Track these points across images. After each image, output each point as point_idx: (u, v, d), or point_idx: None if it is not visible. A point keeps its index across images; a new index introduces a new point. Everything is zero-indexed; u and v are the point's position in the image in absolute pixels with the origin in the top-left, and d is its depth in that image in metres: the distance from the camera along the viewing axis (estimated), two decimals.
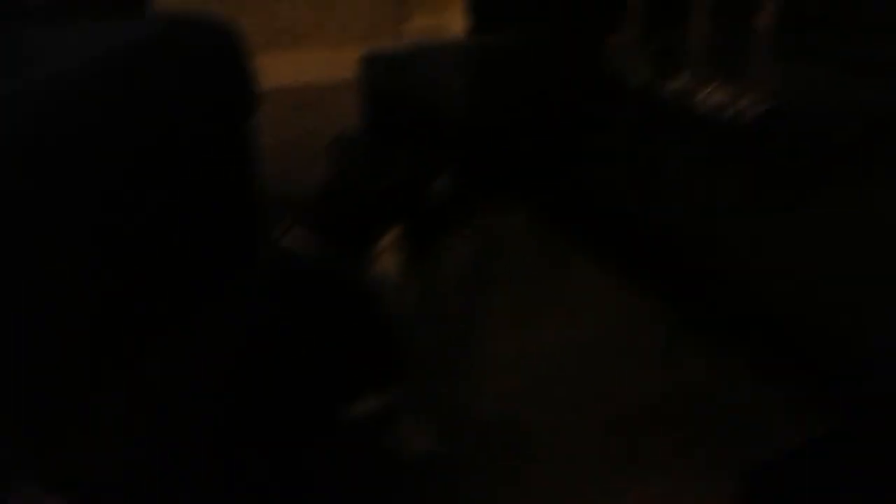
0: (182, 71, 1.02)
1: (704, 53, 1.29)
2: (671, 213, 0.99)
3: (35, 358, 0.76)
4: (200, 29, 1.10)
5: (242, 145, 1.17)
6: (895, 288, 0.78)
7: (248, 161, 1.19)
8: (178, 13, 1.10)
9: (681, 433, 1.02)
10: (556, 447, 1.02)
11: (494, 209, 1.45)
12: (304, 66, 2.83)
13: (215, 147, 1.09)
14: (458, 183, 0.88)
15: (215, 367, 0.71)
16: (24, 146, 0.75)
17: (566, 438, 1.03)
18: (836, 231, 0.91)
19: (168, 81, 0.99)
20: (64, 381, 0.80)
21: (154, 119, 0.93)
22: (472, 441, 1.02)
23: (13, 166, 0.73)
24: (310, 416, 0.75)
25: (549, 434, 1.04)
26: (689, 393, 1.08)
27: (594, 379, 1.13)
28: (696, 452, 0.99)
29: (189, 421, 0.67)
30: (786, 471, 0.83)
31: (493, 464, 0.99)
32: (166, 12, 1.11)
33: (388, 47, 1.79)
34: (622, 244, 1.05)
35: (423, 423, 0.96)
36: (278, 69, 2.75)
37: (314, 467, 0.78)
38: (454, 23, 3.26)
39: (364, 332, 0.78)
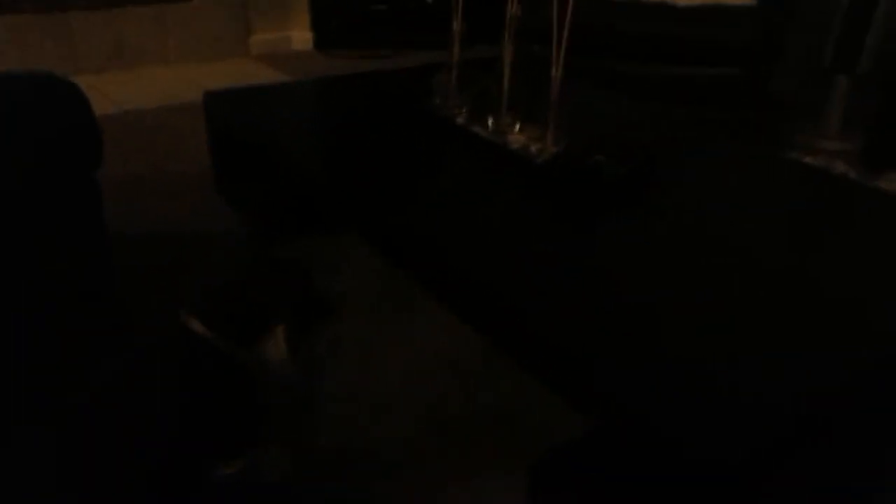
0: (19, 128, 1.07)
1: (512, 99, 1.48)
2: (481, 243, 1.16)
3: None
4: (37, 85, 1.14)
5: (91, 195, 1.22)
6: (663, 310, 0.99)
7: (97, 211, 1.24)
8: (11, 71, 1.13)
9: (491, 437, 1.21)
10: (393, 457, 1.18)
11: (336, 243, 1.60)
12: (148, 85, 2.80)
13: (60, 200, 1.14)
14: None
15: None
16: None
17: (401, 450, 1.19)
18: (611, 255, 1.13)
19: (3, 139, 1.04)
20: None
21: None
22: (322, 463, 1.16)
23: None
24: (187, 471, 0.88)
25: (386, 448, 1.20)
26: (498, 404, 1.28)
27: (425, 397, 1.30)
28: (505, 451, 1.19)
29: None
30: (564, 462, 1.04)
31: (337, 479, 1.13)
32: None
33: (230, 87, 1.85)
34: (441, 273, 1.21)
35: (280, 454, 1.09)
36: (124, 89, 2.71)
37: None
38: (298, 37, 3.34)
39: (239, 402, 0.95)
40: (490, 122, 1.50)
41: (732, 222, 1.24)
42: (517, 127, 1.46)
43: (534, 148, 1.39)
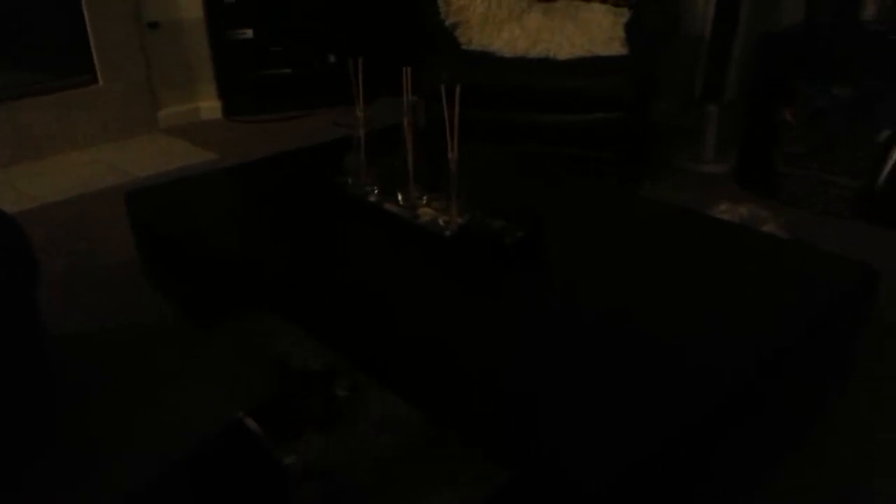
0: None
1: (418, 173, 1.64)
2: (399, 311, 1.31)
3: None
4: None
5: (31, 313, 1.30)
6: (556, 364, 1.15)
7: (39, 325, 1.32)
8: None
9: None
10: None
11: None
12: (61, 173, 2.82)
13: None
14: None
15: None
16: None
17: None
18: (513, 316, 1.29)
19: None
20: None
21: None
22: None
23: None
24: None
25: None
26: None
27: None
28: None
29: None
30: None
31: None
32: None
33: (150, 184, 1.94)
34: (363, 347, 1.34)
35: None
36: (37, 181, 2.72)
37: None
38: (206, 107, 3.41)
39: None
40: (399, 197, 1.64)
41: (610, 264, 1.43)
42: (424, 200, 1.62)
43: (441, 220, 1.55)
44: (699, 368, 1.15)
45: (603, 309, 1.31)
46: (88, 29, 2.97)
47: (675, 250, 1.53)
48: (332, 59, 3.49)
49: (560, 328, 1.26)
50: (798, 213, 2.39)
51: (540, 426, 1.04)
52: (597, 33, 2.50)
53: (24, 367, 1.29)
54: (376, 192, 1.70)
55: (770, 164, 2.51)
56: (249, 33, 3.36)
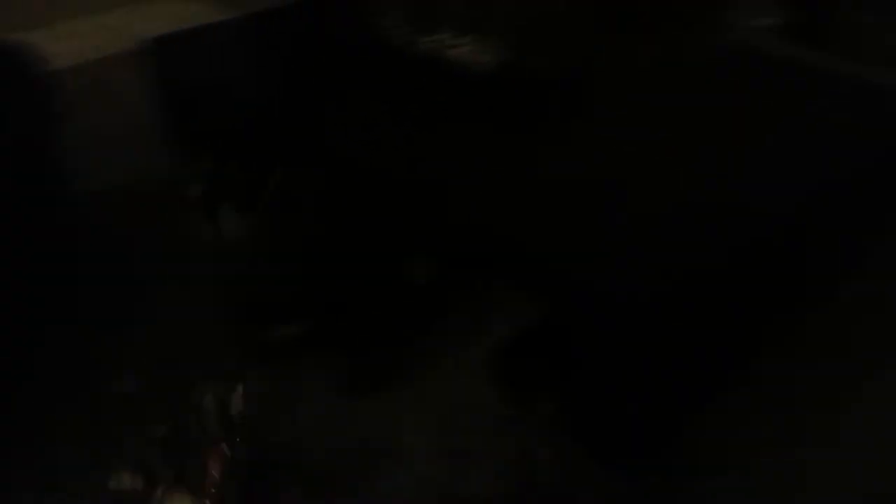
0: None
1: (454, 13, 1.52)
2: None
3: None
4: None
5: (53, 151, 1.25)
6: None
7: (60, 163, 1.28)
8: None
9: None
10: None
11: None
12: (72, 38, 2.70)
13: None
14: None
15: None
16: None
17: None
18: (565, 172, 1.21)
19: None
20: None
21: None
22: None
23: None
24: None
25: None
26: None
27: None
28: None
29: None
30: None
31: None
32: None
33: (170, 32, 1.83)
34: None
35: None
36: (50, 44, 2.62)
37: None
38: None
39: None
40: (435, 36, 1.53)
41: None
42: (457, 39, 1.50)
43: (480, 59, 1.44)
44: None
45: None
46: None
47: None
48: None
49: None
50: None
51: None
52: None
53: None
54: (406, 29, 1.58)
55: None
56: None
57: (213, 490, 1.02)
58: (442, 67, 1.47)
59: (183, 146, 1.79)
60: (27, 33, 2.73)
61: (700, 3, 1.58)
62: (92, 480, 1.07)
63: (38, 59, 1.19)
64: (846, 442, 1.18)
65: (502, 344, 1.22)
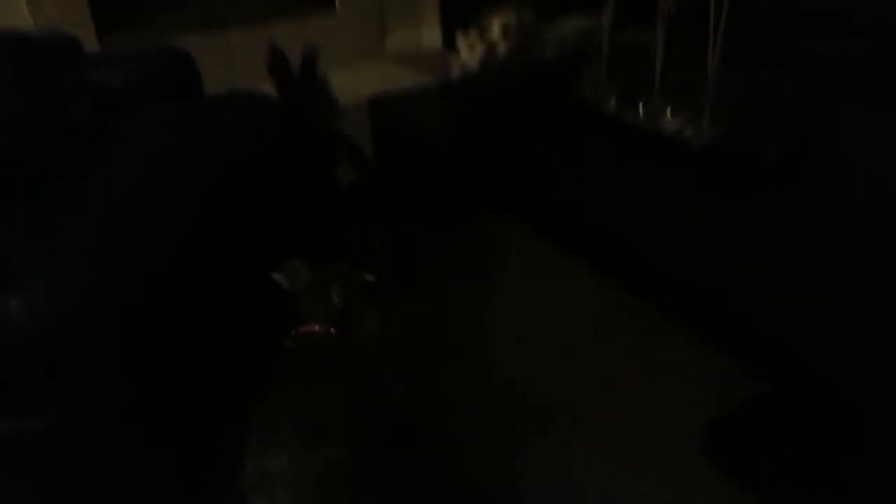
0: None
1: (663, 86, 1.55)
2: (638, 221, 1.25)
3: None
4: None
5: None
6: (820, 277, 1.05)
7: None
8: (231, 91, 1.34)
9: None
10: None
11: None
12: None
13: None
14: None
15: None
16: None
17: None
18: (771, 231, 1.19)
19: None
20: None
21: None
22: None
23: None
24: None
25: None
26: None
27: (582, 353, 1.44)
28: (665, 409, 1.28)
29: None
30: (738, 422, 1.11)
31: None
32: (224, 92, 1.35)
33: (391, 90, 2.01)
34: (597, 249, 1.30)
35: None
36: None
37: None
38: (428, 35, 3.49)
39: None
40: (641, 109, 1.56)
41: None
42: (669, 112, 1.52)
43: (688, 133, 1.45)
44: None
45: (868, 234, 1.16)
46: None
47: None
48: None
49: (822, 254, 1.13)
50: None
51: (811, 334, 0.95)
52: None
53: None
54: (614, 103, 1.63)
55: None
56: None
57: None
58: (650, 139, 1.50)
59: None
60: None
61: None
62: None
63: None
64: None
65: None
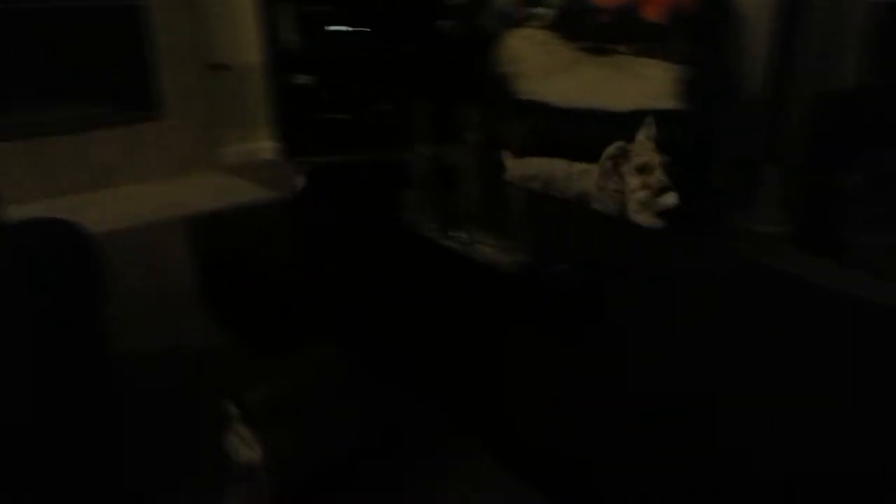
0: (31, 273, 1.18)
1: (476, 214, 1.64)
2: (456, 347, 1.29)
3: None
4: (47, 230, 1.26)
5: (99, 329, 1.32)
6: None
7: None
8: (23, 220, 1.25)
9: None
10: None
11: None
12: (124, 204, 2.91)
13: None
14: None
15: None
16: None
17: None
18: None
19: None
20: None
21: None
22: None
23: None
24: None
25: None
26: None
27: None
28: None
29: None
30: None
31: None
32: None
33: (215, 211, 1.98)
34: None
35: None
36: (101, 210, 2.81)
37: None
38: (265, 146, 3.51)
39: None
40: (458, 234, 1.64)
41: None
42: (481, 237, 1.60)
43: (501, 259, 1.53)
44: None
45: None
46: (159, 68, 3.10)
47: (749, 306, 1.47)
48: (387, 106, 3.56)
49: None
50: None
51: None
52: (651, 87, 2.52)
53: (91, 378, 1.30)
54: (434, 227, 1.70)
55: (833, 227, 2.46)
56: (308, 79, 3.45)
57: None
58: (466, 263, 1.57)
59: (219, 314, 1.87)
60: (82, 196, 2.95)
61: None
62: None
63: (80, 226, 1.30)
64: None
65: None
